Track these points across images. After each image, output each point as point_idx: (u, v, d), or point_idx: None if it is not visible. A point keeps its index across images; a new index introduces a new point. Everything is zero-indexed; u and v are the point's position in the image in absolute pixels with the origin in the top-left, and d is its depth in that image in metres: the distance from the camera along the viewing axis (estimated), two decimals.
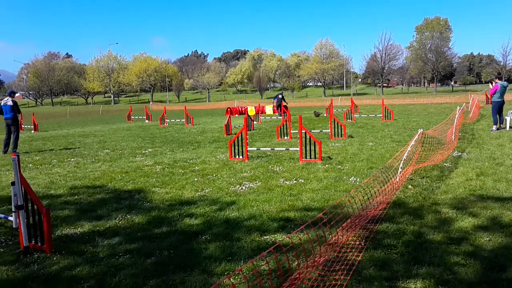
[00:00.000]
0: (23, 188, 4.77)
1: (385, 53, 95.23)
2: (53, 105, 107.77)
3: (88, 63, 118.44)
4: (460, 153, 9.94)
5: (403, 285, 3.70)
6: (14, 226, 5.27)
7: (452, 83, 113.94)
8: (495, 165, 8.49)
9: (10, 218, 5.42)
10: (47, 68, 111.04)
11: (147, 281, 3.98)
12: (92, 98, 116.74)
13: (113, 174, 9.27)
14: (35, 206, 4.81)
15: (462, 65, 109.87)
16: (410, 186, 7.00)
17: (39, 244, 4.84)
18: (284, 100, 28.73)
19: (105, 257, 4.58)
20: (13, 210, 5.07)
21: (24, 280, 4.11)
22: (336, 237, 4.36)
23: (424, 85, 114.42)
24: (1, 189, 8.13)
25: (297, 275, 3.50)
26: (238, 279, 3.97)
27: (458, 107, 15.42)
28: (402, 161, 7.15)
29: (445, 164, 8.74)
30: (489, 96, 33.89)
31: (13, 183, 4.79)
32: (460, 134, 13.22)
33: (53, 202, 6.99)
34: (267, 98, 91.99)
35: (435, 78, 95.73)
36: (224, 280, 3.84)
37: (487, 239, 4.66)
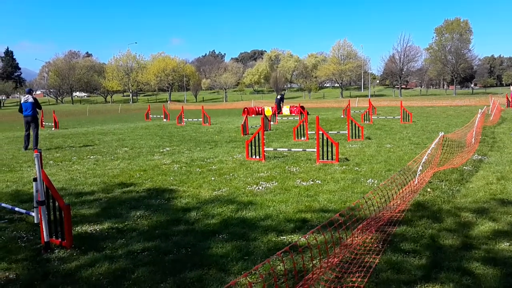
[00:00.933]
0: (44, 184, 4.86)
1: (404, 55, 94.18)
2: (72, 103, 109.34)
3: (107, 62, 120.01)
4: (480, 157, 9.79)
5: None
6: (35, 222, 5.38)
7: (472, 85, 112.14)
8: None
9: (32, 214, 5.53)
10: (68, 66, 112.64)
11: (165, 278, 4.02)
12: (111, 96, 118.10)
13: (131, 172, 9.38)
14: (56, 202, 4.90)
15: (482, 68, 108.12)
16: (429, 189, 6.93)
17: (60, 239, 4.93)
18: (282, 101, 29.62)
19: (124, 254, 4.64)
20: (34, 205, 5.18)
21: (45, 274, 4.19)
22: (352, 238, 4.34)
23: (443, 87, 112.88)
24: (23, 185, 8.29)
25: (311, 275, 3.50)
26: (255, 278, 3.99)
27: (479, 110, 15.18)
28: (421, 164, 7.07)
29: (465, 167, 8.62)
30: (510, 99, 33.31)
31: (35, 179, 4.89)
32: (480, 137, 13.01)
33: (73, 199, 7.11)
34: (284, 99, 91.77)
35: (455, 80, 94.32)
36: (241, 279, 3.86)
37: (508, 244, 4.59)
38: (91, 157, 11.98)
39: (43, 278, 4.13)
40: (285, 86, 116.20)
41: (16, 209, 6.01)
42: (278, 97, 30.70)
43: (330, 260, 3.78)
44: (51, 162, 11.16)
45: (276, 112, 29.63)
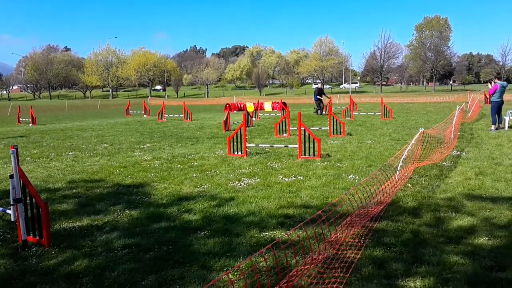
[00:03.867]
0: (21, 181, 4.75)
1: (385, 51, 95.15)
2: (51, 99, 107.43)
3: (86, 56, 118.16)
4: (459, 152, 9.95)
5: (402, 283, 3.70)
6: (12, 220, 5.24)
7: (451, 82, 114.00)
8: (494, 165, 8.50)
9: (8, 211, 5.39)
10: (45, 61, 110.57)
11: (146, 276, 3.97)
12: (90, 92, 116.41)
13: (111, 168, 9.24)
14: (33, 200, 4.79)
15: (461, 65, 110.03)
16: (409, 185, 7.01)
17: (38, 237, 4.82)
18: (321, 94, 24.74)
19: (104, 252, 4.56)
20: (11, 203, 5.05)
21: (22, 273, 4.09)
22: (336, 235, 4.36)
23: (423, 84, 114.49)
24: None
25: (295, 272, 3.50)
26: (237, 275, 3.97)
27: (458, 106, 15.43)
28: (401, 160, 7.14)
29: (444, 163, 8.75)
30: (487, 96, 33.99)
31: (11, 176, 4.76)
32: (459, 133, 13.23)
33: (51, 196, 6.97)
34: (265, 95, 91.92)
35: (434, 77, 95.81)
36: (223, 276, 3.83)
37: (486, 238, 4.67)
38: (70, 153, 11.77)
39: (21, 276, 4.03)
40: (267, 82, 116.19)
41: None
42: (316, 91, 24.86)
43: (314, 257, 3.78)
44: (28, 158, 10.93)
45: (319, 109, 25.02)
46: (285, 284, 3.25)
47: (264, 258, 4.14)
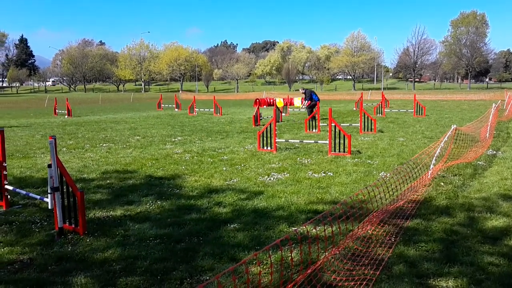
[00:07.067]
0: (59, 171, 4.90)
1: (418, 48, 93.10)
2: (85, 91, 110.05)
3: (120, 51, 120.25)
4: (494, 152, 9.66)
5: (434, 283, 3.65)
6: (49, 207, 5.42)
7: (487, 79, 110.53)
8: None
9: (46, 200, 5.58)
10: (81, 55, 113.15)
11: (177, 266, 4.04)
12: (123, 85, 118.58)
13: (143, 160, 9.42)
14: (70, 189, 4.94)
15: (498, 62, 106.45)
16: (442, 184, 6.86)
17: (73, 225, 4.98)
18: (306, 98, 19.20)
19: (136, 241, 4.67)
20: (48, 191, 5.22)
21: (59, 259, 4.24)
22: (363, 230, 4.33)
23: (458, 81, 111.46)
24: (37, 171, 8.38)
25: (318, 265, 3.51)
26: (257, 265, 3.99)
27: (493, 104, 14.97)
28: (434, 157, 7.00)
29: (478, 162, 8.52)
30: None
31: (49, 166, 4.92)
32: (494, 132, 12.84)
33: (86, 186, 7.17)
34: (295, 90, 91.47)
35: (469, 74, 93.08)
36: (240, 265, 3.87)
37: None
38: (104, 145, 12.06)
39: (57, 262, 4.18)
40: (297, 78, 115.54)
41: (31, 194, 6.07)
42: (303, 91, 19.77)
43: (334, 250, 3.78)
44: (64, 149, 11.25)
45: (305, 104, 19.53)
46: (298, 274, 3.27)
47: (280, 248, 4.13)
